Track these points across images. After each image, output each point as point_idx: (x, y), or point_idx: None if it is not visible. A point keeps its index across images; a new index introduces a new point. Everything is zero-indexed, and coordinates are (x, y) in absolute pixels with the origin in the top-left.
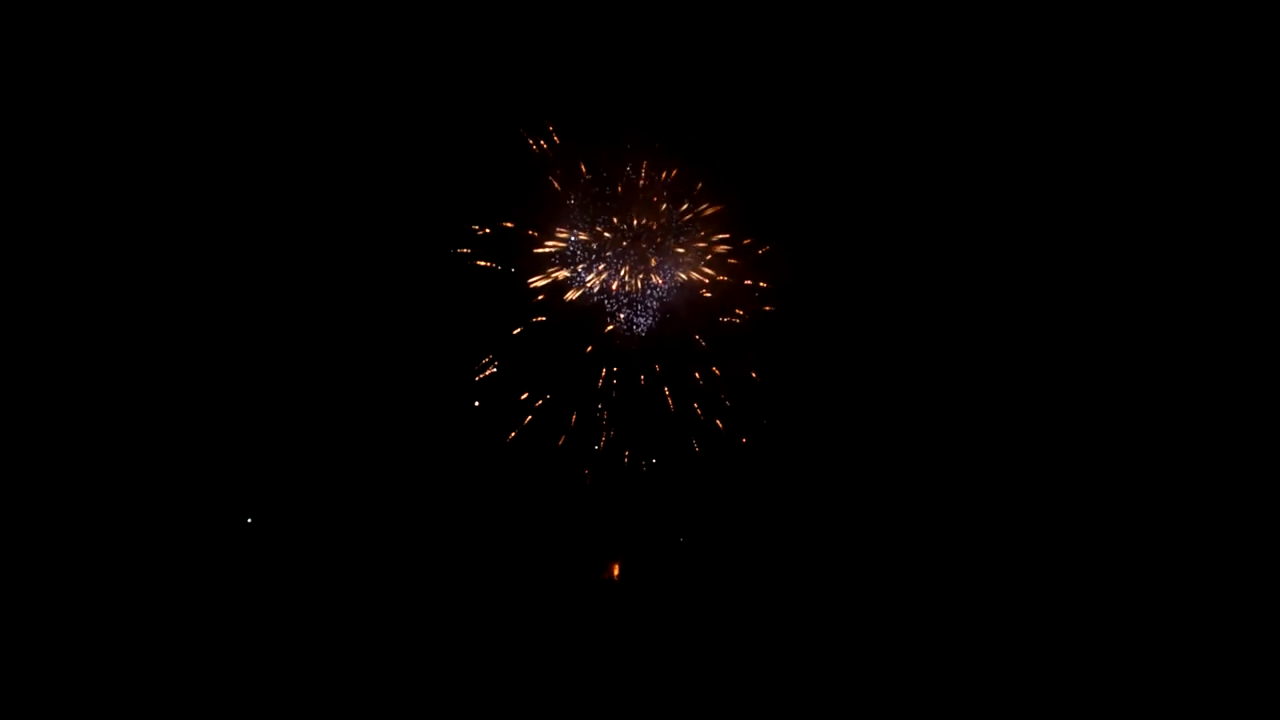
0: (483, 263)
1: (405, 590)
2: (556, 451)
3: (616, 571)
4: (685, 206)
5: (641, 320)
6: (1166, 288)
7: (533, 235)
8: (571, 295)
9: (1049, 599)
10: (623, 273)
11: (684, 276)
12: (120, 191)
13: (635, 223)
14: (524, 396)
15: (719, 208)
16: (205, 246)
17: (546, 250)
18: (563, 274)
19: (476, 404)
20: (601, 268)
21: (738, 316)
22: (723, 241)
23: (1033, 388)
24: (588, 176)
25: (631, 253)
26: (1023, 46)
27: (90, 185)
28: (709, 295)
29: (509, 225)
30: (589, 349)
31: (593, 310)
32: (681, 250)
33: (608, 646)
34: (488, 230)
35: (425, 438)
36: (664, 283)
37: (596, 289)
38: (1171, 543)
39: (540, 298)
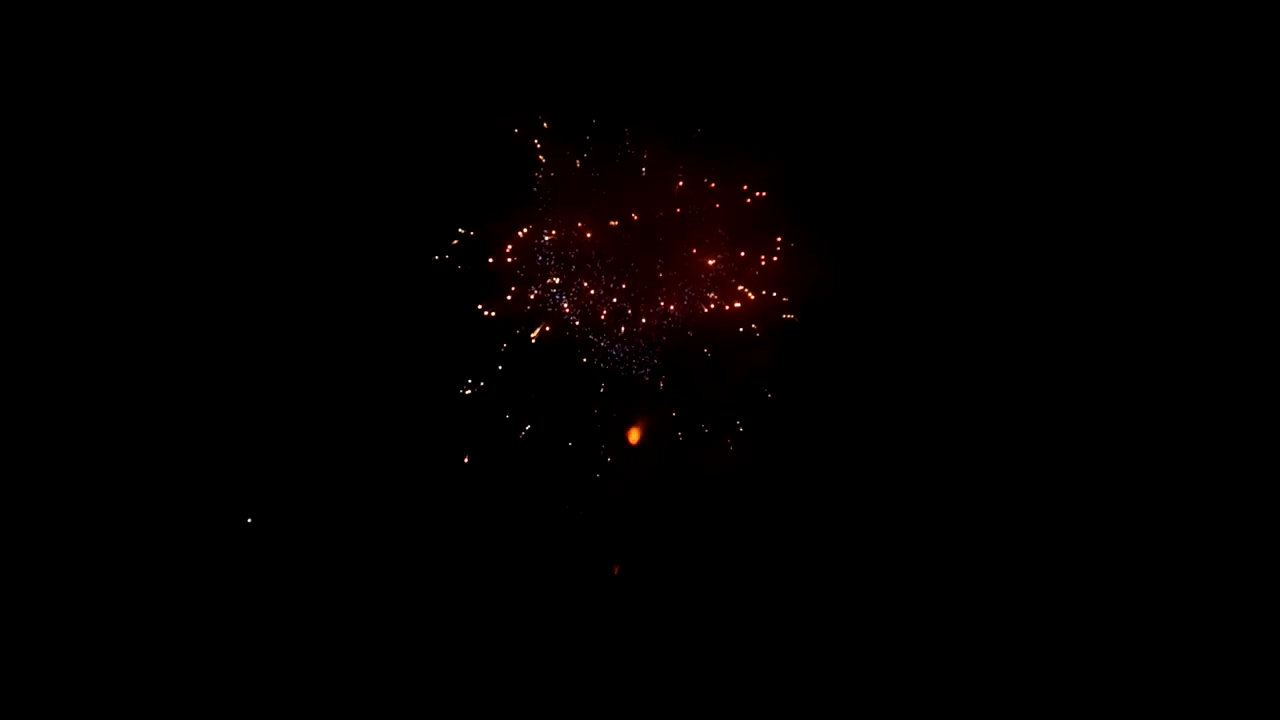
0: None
1: (403, 592)
2: (551, 467)
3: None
4: (715, 186)
5: (645, 360)
6: (1194, 296)
7: (480, 233)
8: (541, 329)
9: (1071, 623)
10: (614, 298)
11: (711, 304)
12: (86, 186)
13: (636, 216)
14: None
15: (763, 194)
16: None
17: (502, 258)
18: (529, 293)
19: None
20: (585, 284)
21: (756, 330)
22: (774, 252)
23: (1068, 413)
24: (568, 154)
25: (631, 264)
26: (1053, 43)
27: (61, 181)
28: (728, 306)
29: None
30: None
31: (576, 340)
32: (712, 262)
33: (608, 647)
34: (453, 233)
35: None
36: (680, 311)
37: (577, 319)
38: (1175, 544)
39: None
